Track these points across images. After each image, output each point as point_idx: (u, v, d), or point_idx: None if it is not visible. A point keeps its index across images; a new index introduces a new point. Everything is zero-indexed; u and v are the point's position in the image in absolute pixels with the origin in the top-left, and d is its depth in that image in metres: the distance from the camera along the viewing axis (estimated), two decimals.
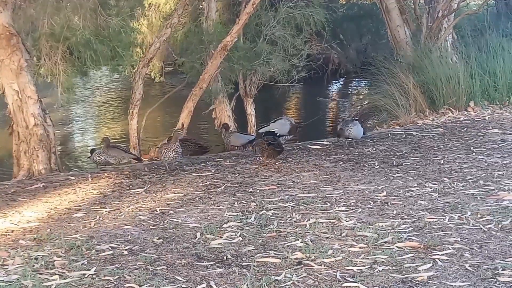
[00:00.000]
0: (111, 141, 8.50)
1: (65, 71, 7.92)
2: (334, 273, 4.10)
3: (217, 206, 5.71)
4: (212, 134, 11.10)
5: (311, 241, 4.64)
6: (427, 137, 8.37)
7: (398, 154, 7.51)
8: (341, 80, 18.20)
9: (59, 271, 4.24)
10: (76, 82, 8.78)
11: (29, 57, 7.68)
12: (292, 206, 5.57)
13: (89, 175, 7.18)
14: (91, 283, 4.05)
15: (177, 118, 9.28)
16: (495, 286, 3.85)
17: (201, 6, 10.59)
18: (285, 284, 3.96)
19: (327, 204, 5.60)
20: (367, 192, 5.94)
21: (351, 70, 18.00)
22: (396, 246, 4.50)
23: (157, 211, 5.63)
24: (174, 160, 7.26)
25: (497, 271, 4.03)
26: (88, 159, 8.42)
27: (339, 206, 5.52)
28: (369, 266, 4.18)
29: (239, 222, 5.17)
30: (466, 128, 8.72)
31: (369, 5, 19.27)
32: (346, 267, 4.18)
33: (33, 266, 4.35)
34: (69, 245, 4.72)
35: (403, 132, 8.76)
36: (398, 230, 4.83)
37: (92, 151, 8.13)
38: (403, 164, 7.00)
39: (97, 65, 8.22)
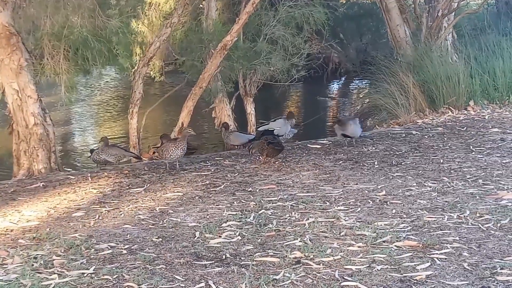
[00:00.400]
0: (111, 140, 8.51)
1: (67, 70, 7.92)
2: (332, 272, 4.10)
3: (217, 205, 5.72)
4: (212, 133, 11.11)
5: (310, 240, 4.65)
6: (426, 136, 8.37)
7: (397, 153, 7.51)
8: (341, 79, 18.19)
9: (58, 270, 4.25)
10: (78, 81, 8.77)
11: (29, 57, 7.69)
12: (291, 205, 5.58)
13: (89, 175, 7.19)
14: (90, 282, 4.05)
15: (177, 117, 9.28)
16: (494, 285, 3.85)
17: (201, 6, 10.58)
18: (283, 283, 3.96)
19: (326, 203, 5.61)
20: (366, 191, 5.94)
21: (351, 69, 17.98)
22: (395, 245, 4.50)
23: (156, 210, 5.64)
24: (179, 159, 7.25)
25: (496, 270, 4.03)
26: (88, 158, 8.43)
27: (338, 205, 5.52)
28: (368, 265, 4.19)
29: (238, 221, 5.17)
30: (465, 128, 8.72)
31: (369, 4, 19.25)
32: (344, 266, 4.19)
33: (32, 265, 4.35)
34: (68, 244, 4.72)
35: (402, 131, 8.77)
36: (397, 229, 4.83)
37: (91, 150, 8.14)
38: (403, 163, 7.01)
39: (96, 65, 8.22)
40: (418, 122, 9.40)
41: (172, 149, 7.09)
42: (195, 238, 4.83)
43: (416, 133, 8.58)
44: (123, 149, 8.27)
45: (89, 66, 8.11)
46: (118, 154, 7.85)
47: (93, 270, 4.23)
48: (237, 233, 4.88)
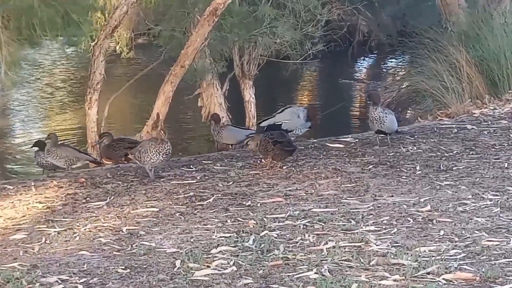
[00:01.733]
0: (61, 137, 8.52)
1: (8, 43, 7.90)
2: None
3: (204, 224, 5.73)
4: (198, 128, 11.14)
5: (329, 272, 4.65)
6: (486, 132, 8.38)
7: (447, 155, 7.53)
8: (371, 55, 18.23)
9: None
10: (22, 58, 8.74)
11: None
12: (304, 225, 5.59)
13: (33, 183, 7.18)
14: None
15: (150, 106, 9.29)
16: None
17: None
18: None
19: (351, 222, 5.62)
20: (405, 206, 5.95)
21: (384, 43, 18.05)
22: (443, 279, 4.51)
23: (123, 232, 5.64)
24: (160, 165, 7.24)
25: None
26: (33, 159, 8.44)
27: (367, 225, 5.53)
28: None
29: (232, 247, 5.18)
30: None
31: None
32: None
33: None
34: (4, 277, 4.72)
35: (453, 126, 8.78)
36: (446, 257, 4.84)
37: (38, 144, 8.14)
38: (454, 168, 7.02)
39: (46, 36, 8.22)
40: (474, 113, 9.41)
41: (153, 154, 7.04)
42: (175, 269, 4.83)
43: (472, 128, 8.59)
44: (77, 150, 8.28)
45: (37, 37, 8.10)
46: (69, 156, 7.89)
47: None
48: (232, 262, 4.88)
